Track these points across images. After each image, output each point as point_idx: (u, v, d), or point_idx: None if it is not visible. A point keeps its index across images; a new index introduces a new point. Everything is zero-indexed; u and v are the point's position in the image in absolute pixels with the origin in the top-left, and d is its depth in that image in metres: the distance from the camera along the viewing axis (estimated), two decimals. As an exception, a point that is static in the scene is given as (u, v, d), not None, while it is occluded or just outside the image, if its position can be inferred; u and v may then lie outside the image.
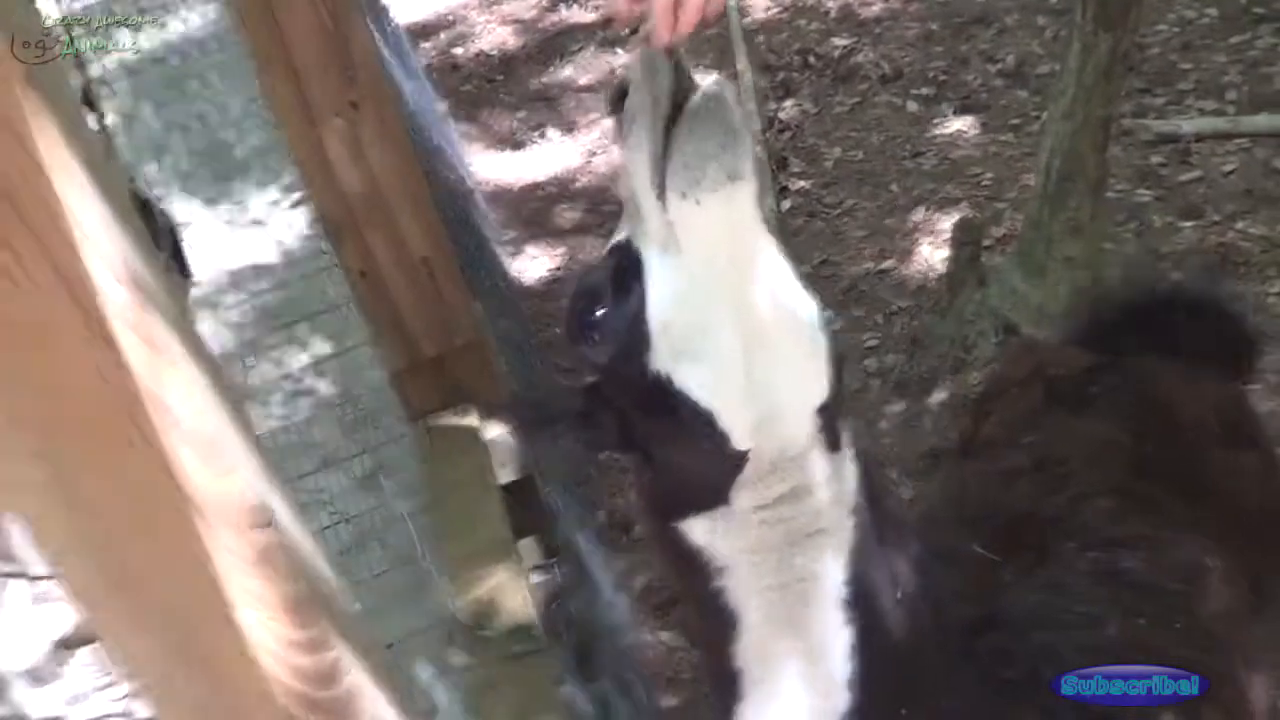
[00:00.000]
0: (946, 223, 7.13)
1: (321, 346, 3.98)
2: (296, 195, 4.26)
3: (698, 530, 2.05)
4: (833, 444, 2.01)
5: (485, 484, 3.99)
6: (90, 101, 3.16)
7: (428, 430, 4.16)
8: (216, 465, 1.12)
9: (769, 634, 2.11)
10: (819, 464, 2.00)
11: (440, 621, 3.63)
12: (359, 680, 1.27)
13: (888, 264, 7.14)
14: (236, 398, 1.20)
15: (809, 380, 1.95)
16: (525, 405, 2.68)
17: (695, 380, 1.88)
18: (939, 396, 6.18)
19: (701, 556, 2.07)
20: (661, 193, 1.79)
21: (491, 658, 3.45)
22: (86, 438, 1.08)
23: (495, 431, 4.29)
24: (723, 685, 2.18)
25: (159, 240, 3.13)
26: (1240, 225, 6.79)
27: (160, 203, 3.13)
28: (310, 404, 3.75)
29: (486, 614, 3.54)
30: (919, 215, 7.44)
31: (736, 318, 1.84)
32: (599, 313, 1.95)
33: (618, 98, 1.91)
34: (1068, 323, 3.96)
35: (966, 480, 3.46)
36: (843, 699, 2.12)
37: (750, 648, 2.13)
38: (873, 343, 6.65)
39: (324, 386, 4.11)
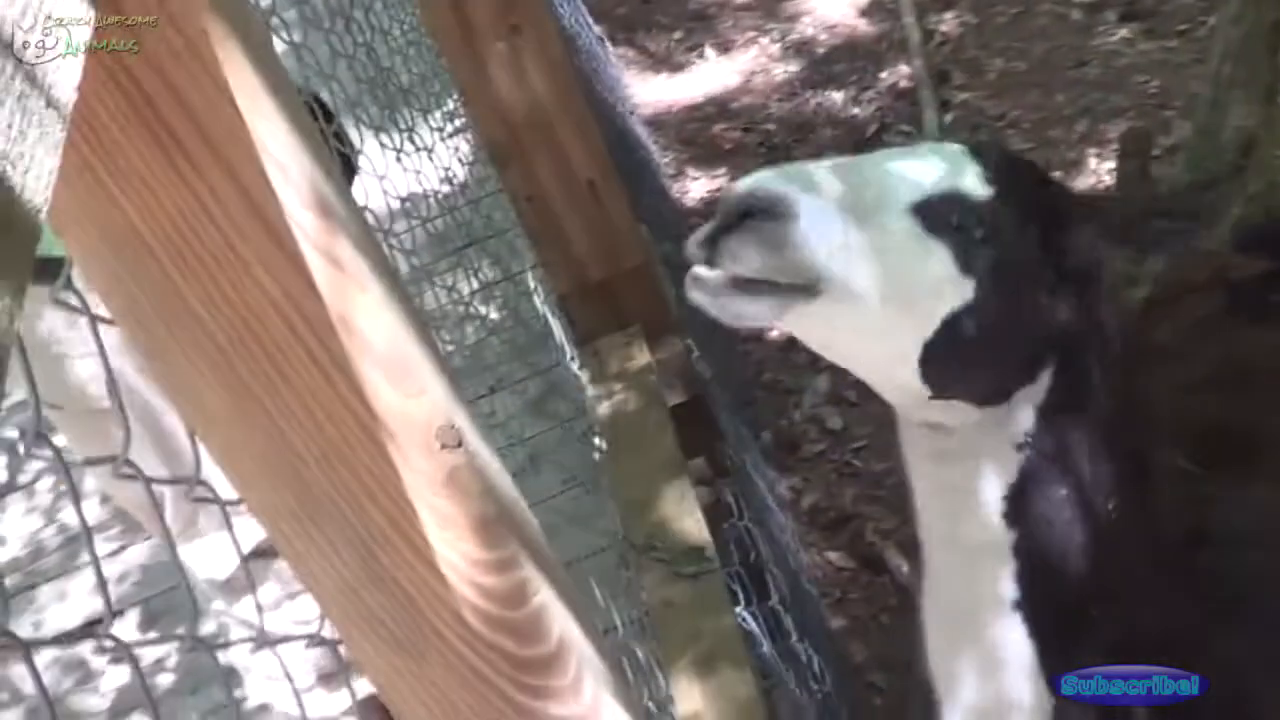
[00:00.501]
0: (1113, 132, 7.01)
1: (489, 271, 4.01)
2: (460, 121, 4.30)
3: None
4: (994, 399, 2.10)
5: (654, 405, 4.00)
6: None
7: (596, 353, 4.17)
8: (406, 387, 1.13)
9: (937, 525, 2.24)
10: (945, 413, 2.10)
11: (613, 543, 3.65)
12: (547, 600, 1.27)
13: (1054, 175, 7.03)
14: (423, 319, 1.20)
15: None
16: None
17: None
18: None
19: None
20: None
21: (664, 578, 3.47)
22: (277, 364, 1.09)
23: (664, 352, 4.30)
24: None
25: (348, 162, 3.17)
26: None
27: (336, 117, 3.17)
28: (479, 328, 3.78)
29: (658, 535, 3.55)
30: (1084, 125, 7.32)
31: None
32: None
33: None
34: (1237, 232, 3.86)
35: (1150, 388, 3.34)
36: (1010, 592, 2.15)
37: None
38: (1040, 255, 6.56)
39: (493, 311, 4.14)
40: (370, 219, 2.76)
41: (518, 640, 1.26)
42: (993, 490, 2.09)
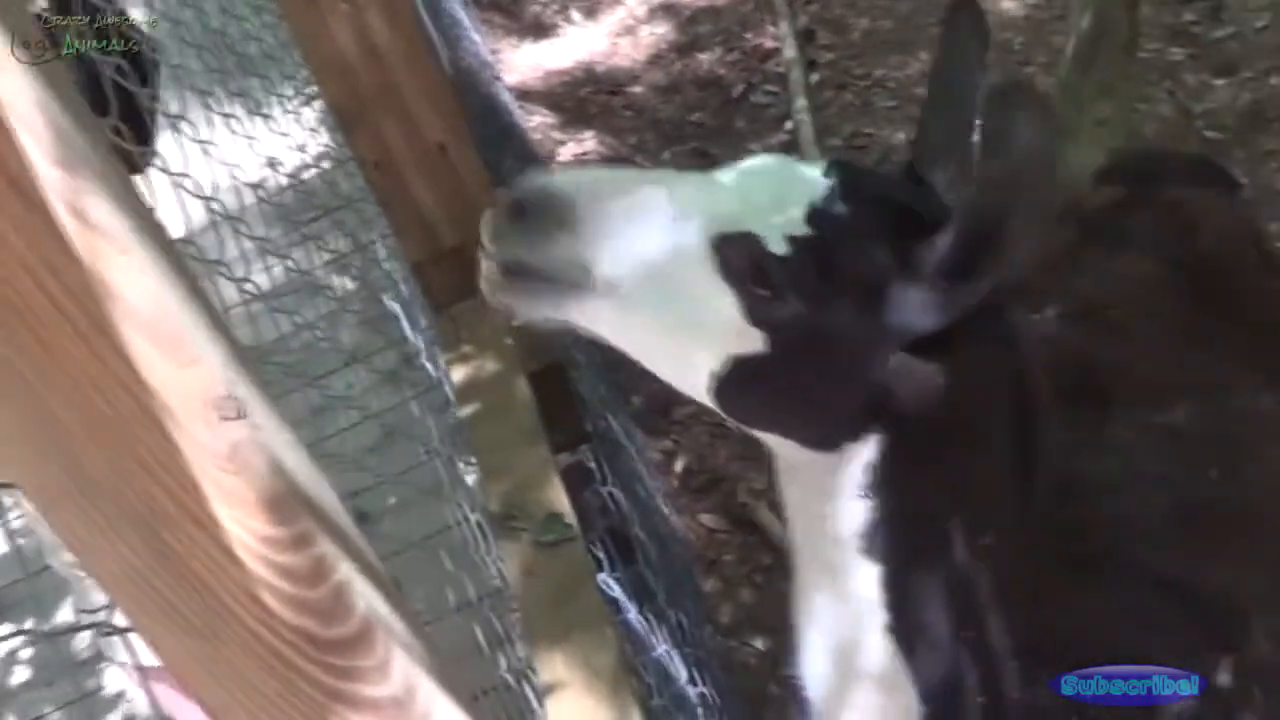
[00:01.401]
0: (977, 89, 7.04)
1: (339, 242, 3.93)
2: (306, 90, 4.21)
3: None
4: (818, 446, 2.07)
5: (513, 372, 3.94)
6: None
7: (452, 320, 4.11)
8: (178, 356, 1.06)
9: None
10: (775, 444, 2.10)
11: (472, 512, 3.60)
12: (348, 576, 1.21)
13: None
14: (195, 282, 1.13)
15: None
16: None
17: None
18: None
19: None
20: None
21: (524, 547, 3.42)
22: (35, 334, 1.02)
23: (521, 318, 4.24)
24: None
25: (150, 79, 3.06)
26: (1274, 81, 6.77)
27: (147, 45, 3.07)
28: (331, 301, 3.71)
29: (517, 504, 3.50)
30: (949, 82, 7.35)
31: None
32: None
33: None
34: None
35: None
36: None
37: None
38: (906, 209, 6.60)
39: (345, 283, 4.07)
40: (191, 186, 2.68)
41: (319, 620, 1.20)
42: (845, 526, 2.02)
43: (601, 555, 3.60)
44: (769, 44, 8.17)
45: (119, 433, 1.07)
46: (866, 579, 2.05)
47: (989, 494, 2.09)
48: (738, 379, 1.85)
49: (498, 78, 8.05)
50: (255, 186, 3.27)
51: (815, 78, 7.80)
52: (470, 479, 3.74)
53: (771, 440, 2.02)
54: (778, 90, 7.75)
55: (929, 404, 1.94)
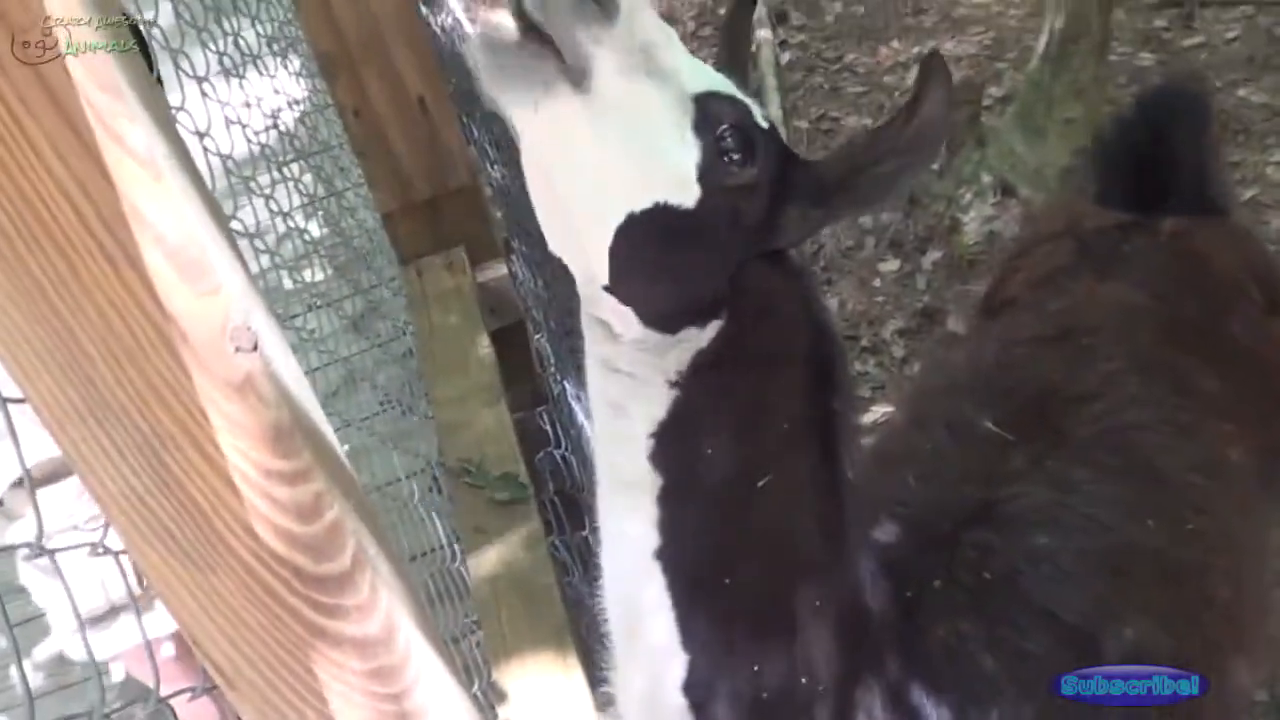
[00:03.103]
0: (946, 81, 7.07)
1: (314, 187, 3.93)
2: (292, 32, 4.19)
3: None
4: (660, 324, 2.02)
5: (475, 329, 3.96)
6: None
7: (419, 273, 4.12)
8: (201, 285, 1.08)
9: (601, 445, 2.17)
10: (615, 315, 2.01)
11: (427, 466, 3.61)
12: (342, 515, 1.23)
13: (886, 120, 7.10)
14: (221, 213, 1.15)
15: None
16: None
17: None
18: (933, 256, 6.16)
19: None
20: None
21: (477, 503, 3.44)
22: (65, 255, 1.03)
23: (486, 276, 4.25)
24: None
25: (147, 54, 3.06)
26: (1242, 92, 6.78)
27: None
28: (302, 244, 3.70)
29: (473, 460, 3.52)
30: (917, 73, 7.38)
31: None
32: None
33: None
34: (1069, 180, 3.87)
35: (987, 345, 3.30)
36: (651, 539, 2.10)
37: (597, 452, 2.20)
38: (870, 199, 6.62)
39: (315, 227, 4.06)
40: (189, 123, 2.69)
41: (310, 555, 1.22)
42: (643, 422, 2.05)
43: (551, 518, 3.62)
44: (743, 21, 8.17)
45: (135, 357, 1.08)
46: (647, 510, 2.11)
47: (778, 428, 2.11)
48: (648, 225, 1.89)
49: (468, 37, 8.03)
50: (243, 126, 3.26)
51: (786, 58, 7.82)
52: (427, 430, 3.75)
53: (615, 313, 2.04)
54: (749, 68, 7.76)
55: (765, 316, 2.05)
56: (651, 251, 1.94)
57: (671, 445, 2.05)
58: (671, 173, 1.90)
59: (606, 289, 1.97)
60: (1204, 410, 2.88)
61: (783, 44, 7.88)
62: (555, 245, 2.04)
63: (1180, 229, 3.27)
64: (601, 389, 2.11)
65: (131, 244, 1.03)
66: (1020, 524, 2.50)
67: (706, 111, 1.91)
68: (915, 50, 7.55)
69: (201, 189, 1.12)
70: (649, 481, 2.07)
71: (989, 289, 3.71)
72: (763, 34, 7.83)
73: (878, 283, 6.19)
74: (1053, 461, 2.65)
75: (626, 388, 2.06)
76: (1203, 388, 2.91)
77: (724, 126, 1.92)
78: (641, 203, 1.89)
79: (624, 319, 2.01)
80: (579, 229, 1.97)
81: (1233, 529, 2.77)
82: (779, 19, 8.08)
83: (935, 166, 6.52)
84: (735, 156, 1.93)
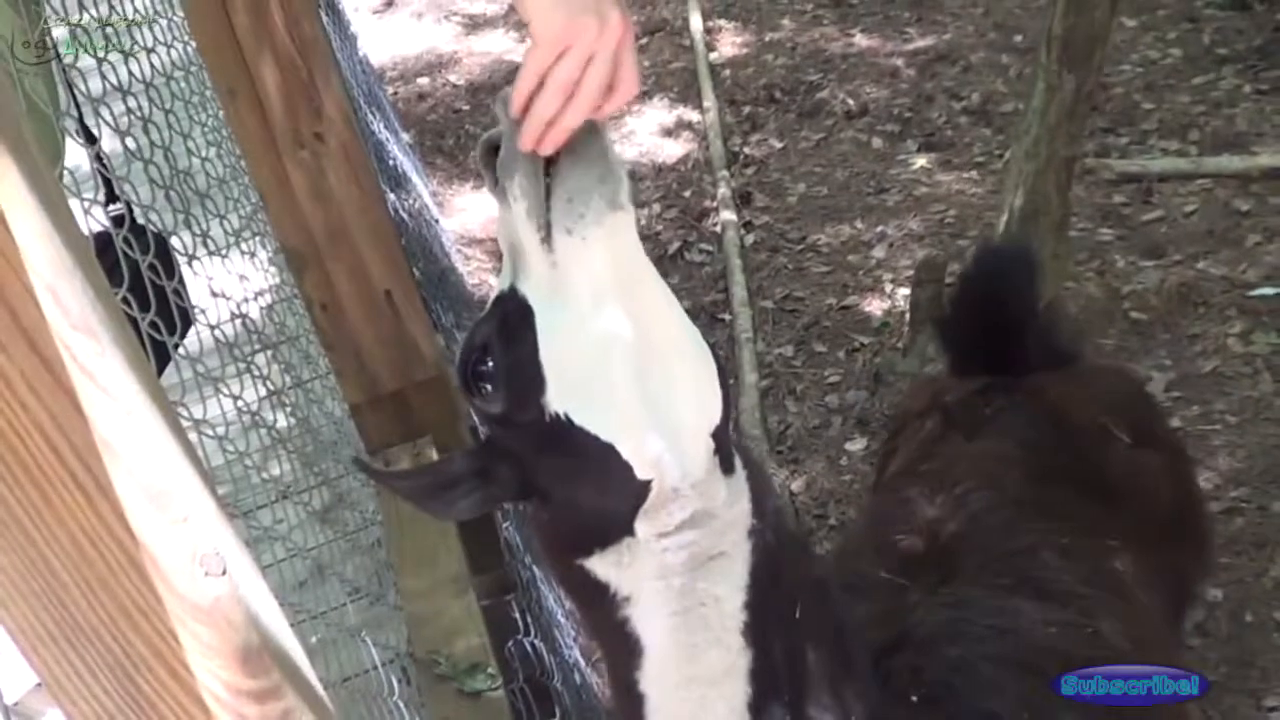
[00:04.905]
0: (909, 260, 7.19)
1: (280, 378, 3.96)
2: (258, 226, 4.25)
3: (602, 564, 2.05)
4: (727, 466, 2.02)
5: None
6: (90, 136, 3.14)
7: (386, 464, 4.14)
8: (171, 513, 1.11)
9: (671, 660, 2.08)
10: (717, 487, 2.00)
11: (396, 657, 3.61)
12: (311, 730, 1.25)
13: (850, 300, 7.20)
14: (189, 442, 1.18)
15: (704, 403, 1.97)
16: (415, 474, 2.72)
17: (594, 416, 1.91)
18: (900, 435, 6.20)
19: (606, 589, 2.06)
20: (546, 235, 1.83)
21: (447, 694, 3.43)
22: (39, 487, 1.06)
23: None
24: (627, 712, 2.16)
25: (170, 269, 3.12)
26: (1201, 265, 6.89)
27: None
28: (268, 436, 3.72)
29: (442, 650, 3.52)
30: (882, 252, 7.51)
31: (629, 349, 1.87)
32: (489, 365, 1.98)
33: (489, 151, 1.95)
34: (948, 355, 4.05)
35: (873, 512, 3.64)
36: None
37: (653, 674, 2.10)
38: (834, 379, 6.70)
39: (282, 419, 4.09)
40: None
41: (278, 772, 1.23)
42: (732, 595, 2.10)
43: (521, 706, 3.62)
44: (707, 203, 8.30)
45: (107, 583, 1.11)
46: None
47: None
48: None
49: (437, 220, 8.13)
50: (209, 323, 3.31)
51: (750, 239, 7.92)
52: (396, 621, 3.75)
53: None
54: (713, 249, 7.86)
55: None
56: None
57: (762, 603, 2.06)
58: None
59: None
60: (1082, 532, 3.10)
61: (747, 225, 8.00)
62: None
63: (1035, 386, 3.55)
64: (685, 600, 2.05)
65: (104, 475, 1.07)
66: (931, 642, 2.63)
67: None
68: (879, 229, 7.66)
69: (171, 419, 1.16)
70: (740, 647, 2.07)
71: (875, 470, 4.00)
72: (727, 215, 7.95)
73: (844, 461, 6.23)
74: (946, 589, 2.83)
75: (721, 572, 2.04)
76: (1078, 513, 3.17)
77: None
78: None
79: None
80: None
81: (1133, 633, 2.89)
82: (743, 200, 8.20)
83: (899, 345, 6.61)
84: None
